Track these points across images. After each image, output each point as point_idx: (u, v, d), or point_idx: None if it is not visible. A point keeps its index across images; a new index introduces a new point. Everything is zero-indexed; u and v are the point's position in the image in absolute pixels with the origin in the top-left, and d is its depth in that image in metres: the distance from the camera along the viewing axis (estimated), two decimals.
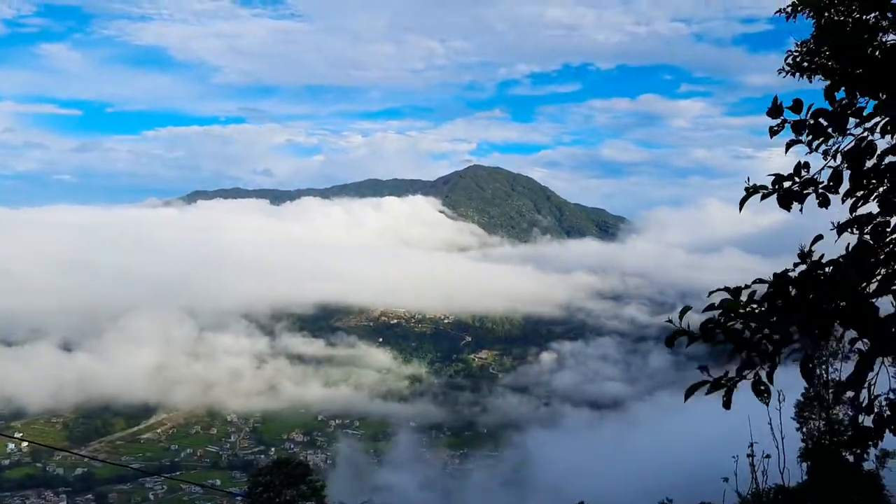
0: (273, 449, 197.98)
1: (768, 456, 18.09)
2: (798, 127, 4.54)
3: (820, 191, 4.44)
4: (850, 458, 30.99)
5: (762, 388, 4.15)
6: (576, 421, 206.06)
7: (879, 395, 3.92)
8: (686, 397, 4.22)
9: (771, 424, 17.13)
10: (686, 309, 4.28)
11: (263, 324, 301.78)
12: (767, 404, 4.17)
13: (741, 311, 4.15)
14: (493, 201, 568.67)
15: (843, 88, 4.56)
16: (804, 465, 27.88)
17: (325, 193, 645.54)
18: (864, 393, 3.94)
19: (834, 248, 4.13)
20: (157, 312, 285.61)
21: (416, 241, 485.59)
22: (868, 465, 32.13)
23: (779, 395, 16.57)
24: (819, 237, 4.20)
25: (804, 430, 30.47)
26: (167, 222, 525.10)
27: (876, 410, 3.88)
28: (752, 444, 18.28)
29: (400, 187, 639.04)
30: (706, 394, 4.17)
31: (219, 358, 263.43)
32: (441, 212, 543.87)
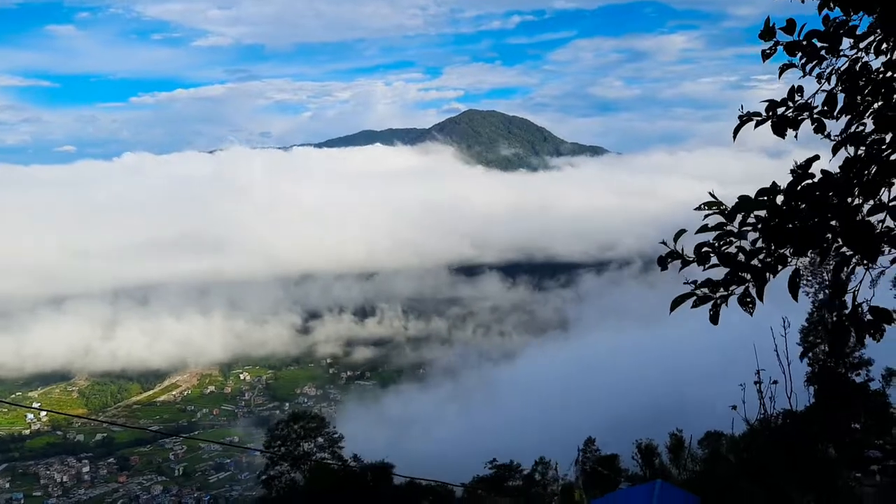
0: (287, 404, 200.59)
1: (775, 382, 18.22)
2: (791, 48, 4.44)
3: (815, 115, 4.37)
4: (856, 380, 31.39)
5: (748, 300, 4.12)
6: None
7: (862, 302, 3.91)
8: (671, 309, 4.19)
9: (777, 350, 17.22)
10: (681, 232, 4.23)
11: None
12: (751, 314, 4.13)
13: (734, 236, 4.11)
14: (491, 144, 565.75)
15: (836, 6, 4.45)
16: (811, 388, 28.27)
17: (335, 143, 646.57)
18: (850, 301, 3.95)
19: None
20: None
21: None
22: (874, 386, 32.57)
23: (784, 321, 16.66)
24: (815, 157, 4.15)
25: (810, 354, 30.83)
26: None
27: (858, 316, 3.88)
28: (758, 371, 18.43)
29: (396, 136, 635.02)
30: (692, 307, 4.15)
31: None
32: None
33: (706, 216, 4.22)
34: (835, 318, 4.03)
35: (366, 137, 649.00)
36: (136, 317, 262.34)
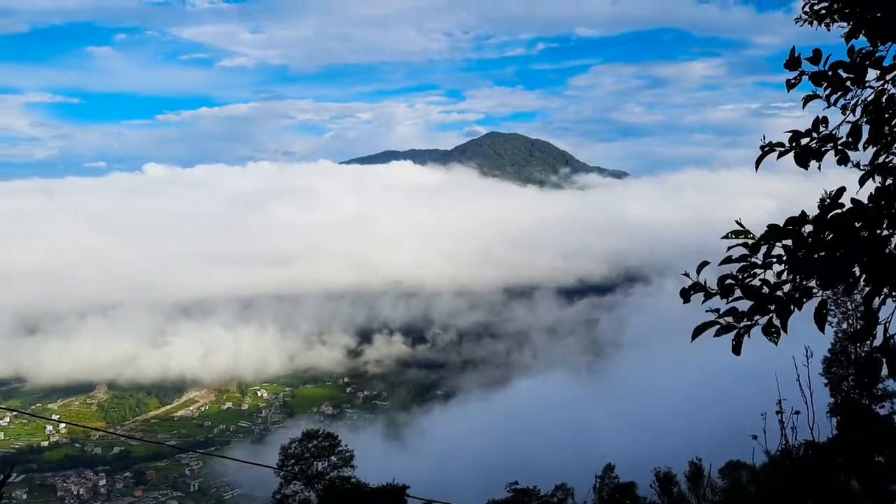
0: (303, 422, 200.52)
1: (797, 412, 17.93)
2: (817, 79, 4.40)
3: (839, 147, 4.31)
4: (881, 412, 30.83)
5: (772, 329, 4.05)
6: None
7: (894, 334, 3.83)
8: (693, 337, 4.13)
9: (799, 381, 16.97)
10: (704, 264, 4.18)
11: None
12: (776, 344, 4.06)
13: (759, 267, 4.06)
14: (514, 166, 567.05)
15: (862, 37, 4.40)
16: (833, 419, 27.79)
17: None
18: (881, 333, 3.87)
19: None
20: None
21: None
22: None
23: (806, 350, 16.42)
24: (842, 189, 4.08)
25: (832, 385, 30.38)
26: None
27: (891, 348, 3.80)
28: (780, 401, 18.15)
29: (418, 156, 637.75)
30: (715, 335, 4.09)
31: None
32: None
33: (729, 247, 4.16)
34: (865, 351, 3.96)
35: (388, 157, 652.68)
36: (187, 329, 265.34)
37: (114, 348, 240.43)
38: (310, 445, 38.97)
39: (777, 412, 18.31)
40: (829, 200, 4.03)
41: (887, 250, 3.86)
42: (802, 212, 4.07)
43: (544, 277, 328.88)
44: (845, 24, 4.65)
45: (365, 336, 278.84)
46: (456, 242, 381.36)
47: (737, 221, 4.19)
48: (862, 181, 4.20)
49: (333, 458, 39.22)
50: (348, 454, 39.83)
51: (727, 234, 4.15)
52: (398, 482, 39.62)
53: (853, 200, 4.02)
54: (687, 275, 4.20)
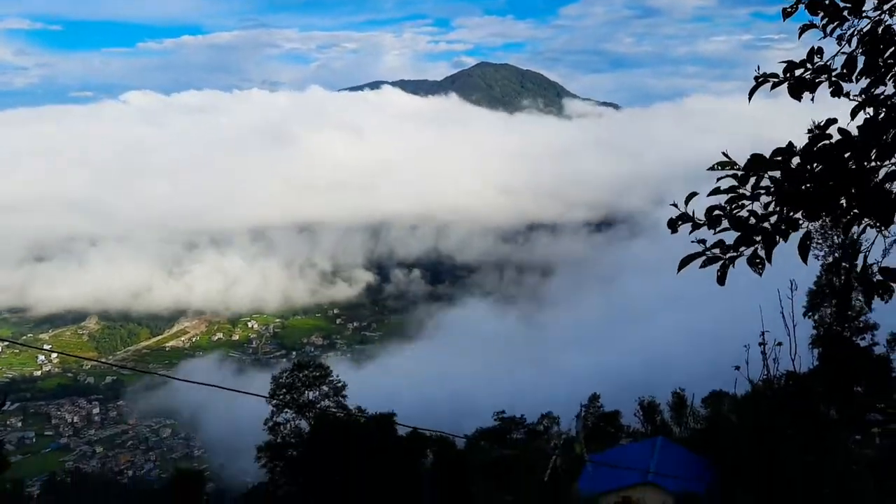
0: (294, 353, 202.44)
1: (780, 344, 18.24)
2: (813, 7, 4.32)
3: (833, 78, 4.26)
4: (861, 343, 31.45)
5: (757, 260, 4.09)
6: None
7: (873, 263, 3.88)
8: (679, 268, 4.16)
9: (783, 312, 17.21)
10: (692, 194, 4.18)
11: None
12: (761, 274, 4.10)
13: (747, 199, 4.06)
14: (504, 98, 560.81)
15: None
16: (815, 351, 28.37)
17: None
18: (861, 263, 3.91)
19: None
20: None
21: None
22: (878, 350, 32.66)
23: (791, 283, 16.62)
24: (832, 120, 4.05)
25: (816, 317, 30.86)
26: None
27: (867, 277, 3.85)
28: (763, 333, 18.45)
29: (408, 86, 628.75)
30: (700, 267, 4.11)
31: None
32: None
33: (718, 178, 4.16)
34: (843, 278, 4.02)
35: (377, 87, 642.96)
36: (205, 258, 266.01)
37: (122, 277, 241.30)
38: (300, 375, 39.58)
39: (760, 343, 18.65)
40: (817, 131, 4.01)
41: (873, 182, 3.86)
42: (790, 143, 4.05)
43: (561, 210, 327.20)
44: None
45: (384, 268, 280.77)
46: (468, 173, 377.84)
47: (723, 153, 4.17)
48: (854, 113, 4.17)
49: (325, 388, 39.87)
50: (339, 384, 40.48)
51: (713, 165, 4.14)
52: (387, 410, 40.45)
53: (840, 131, 4.00)
54: (675, 205, 4.20)
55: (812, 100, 4.30)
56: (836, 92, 4.26)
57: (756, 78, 4.37)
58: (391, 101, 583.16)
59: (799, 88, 4.28)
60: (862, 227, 3.90)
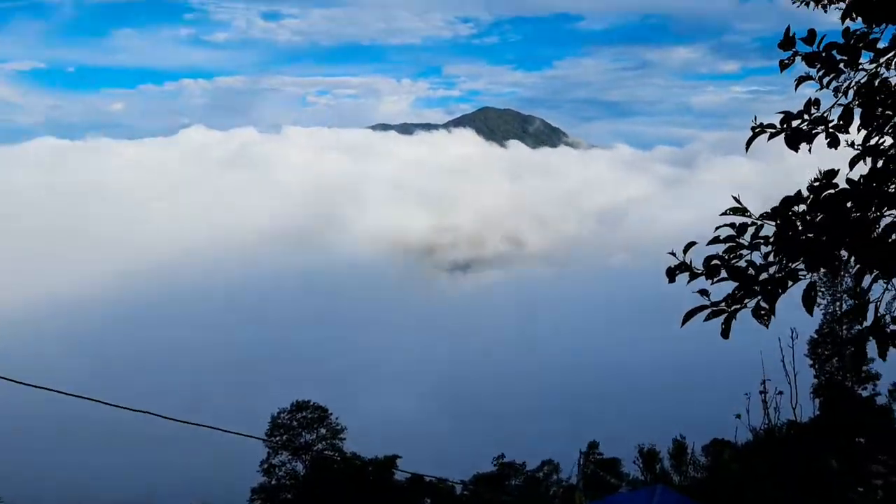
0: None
1: (781, 392, 18.14)
2: (811, 60, 4.38)
3: (830, 130, 4.29)
4: (863, 394, 31.18)
5: (762, 312, 4.07)
6: None
7: (885, 315, 3.86)
8: (683, 322, 4.15)
9: (783, 361, 17.14)
10: (691, 244, 4.18)
11: None
12: (767, 326, 4.08)
13: (746, 248, 4.06)
14: (507, 142, 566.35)
15: (858, 18, 4.38)
16: (817, 400, 28.14)
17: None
18: (871, 315, 3.89)
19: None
20: None
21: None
22: (880, 401, 32.37)
23: (792, 332, 16.55)
24: (835, 171, 4.07)
25: (817, 366, 30.69)
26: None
27: (881, 328, 3.82)
28: (764, 381, 18.34)
29: (411, 130, 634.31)
30: (705, 320, 4.10)
31: None
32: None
33: (717, 228, 4.16)
34: (855, 330, 4.01)
35: (383, 129, 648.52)
36: None
37: None
38: (299, 416, 39.18)
39: (761, 392, 18.51)
40: (822, 181, 4.02)
41: (874, 234, 3.86)
42: (799, 191, 4.06)
43: None
44: (841, 5, 4.63)
45: None
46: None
47: (734, 197, 4.18)
48: (852, 163, 4.20)
49: (322, 430, 39.43)
50: (338, 426, 40.04)
51: (725, 210, 4.15)
52: (389, 453, 39.93)
53: (849, 181, 4.02)
54: (673, 254, 4.20)
55: (809, 151, 4.33)
56: (833, 143, 4.30)
57: (753, 128, 4.40)
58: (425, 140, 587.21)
59: (796, 139, 4.31)
60: (873, 276, 3.90)
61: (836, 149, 4.26)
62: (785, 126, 4.35)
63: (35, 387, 9.02)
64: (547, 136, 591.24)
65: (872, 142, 4.25)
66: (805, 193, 4.04)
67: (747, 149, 4.51)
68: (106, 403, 10.20)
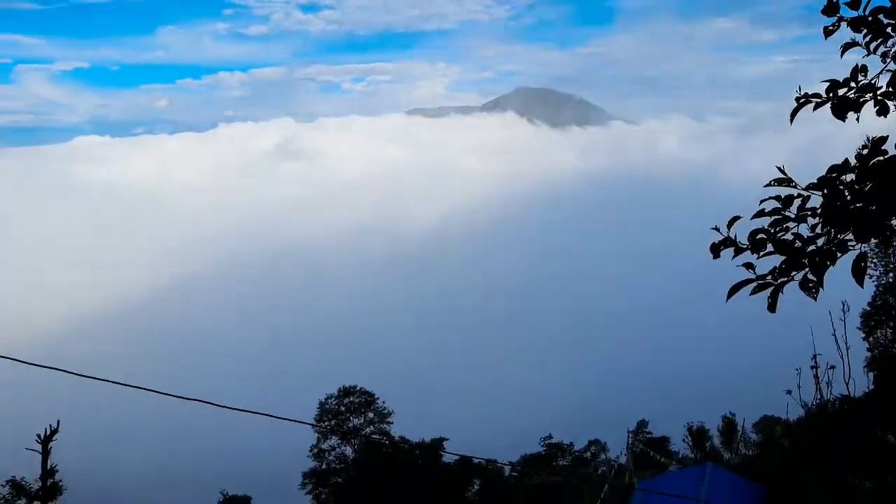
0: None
1: (833, 367, 17.79)
2: (856, 24, 4.25)
3: (878, 97, 4.16)
4: None
5: (810, 284, 3.98)
6: None
7: None
8: (729, 296, 4.07)
9: (835, 335, 16.79)
10: (735, 218, 4.12)
11: None
12: (815, 299, 4.00)
13: (792, 221, 3.97)
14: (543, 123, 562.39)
15: None
16: (871, 374, 27.51)
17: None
18: None
19: None
20: None
21: None
22: None
23: (843, 304, 16.19)
24: (884, 138, 3.96)
25: (870, 339, 29.93)
26: None
27: None
28: (815, 356, 18.00)
29: (451, 112, 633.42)
30: (751, 294, 4.02)
31: None
32: None
33: (761, 200, 4.09)
34: None
35: (422, 114, 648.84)
36: None
37: None
38: (346, 401, 39.65)
39: (812, 367, 18.18)
40: (871, 148, 3.92)
41: None
42: (846, 159, 3.96)
43: None
44: None
45: None
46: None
47: (778, 168, 4.11)
48: None
49: (370, 414, 39.87)
50: (385, 410, 40.43)
51: (770, 181, 4.08)
52: (437, 436, 40.25)
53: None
54: (717, 229, 4.14)
55: (857, 120, 4.21)
56: (882, 111, 4.17)
57: (797, 99, 4.29)
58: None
59: (843, 108, 4.19)
60: None
61: (885, 116, 4.14)
62: (831, 95, 4.24)
63: (80, 375, 9.26)
64: (588, 114, 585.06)
65: None
66: (853, 162, 3.94)
67: (792, 120, 4.40)
68: (157, 392, 10.43)
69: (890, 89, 4.14)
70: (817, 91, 4.27)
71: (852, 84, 4.23)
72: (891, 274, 29.00)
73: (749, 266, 4.05)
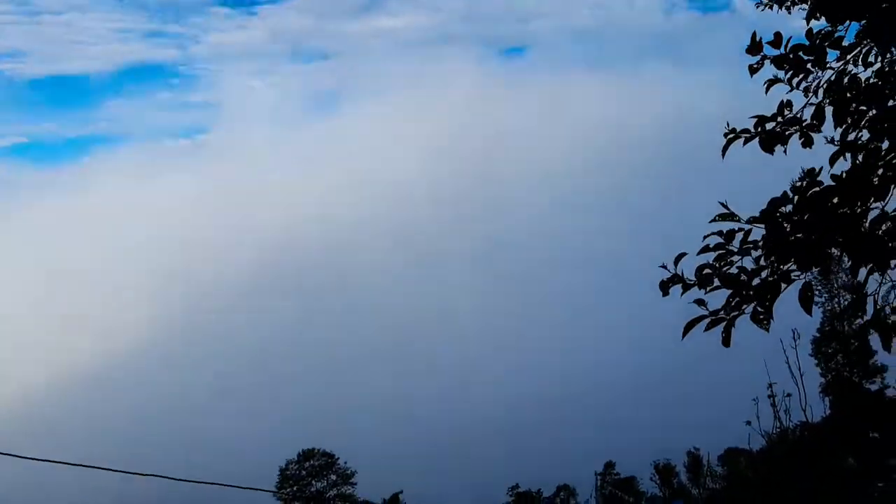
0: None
1: (789, 395, 18.06)
2: (779, 62, 4.39)
3: (803, 130, 4.28)
4: (871, 387, 31.00)
5: (761, 316, 4.01)
6: None
7: (884, 306, 3.82)
8: (684, 333, 4.09)
9: (788, 363, 17.08)
10: (681, 255, 4.14)
11: None
12: (768, 331, 4.03)
13: (736, 254, 4.02)
14: None
15: (822, 17, 4.41)
16: (826, 399, 28.00)
17: None
18: (871, 309, 3.85)
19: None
20: None
21: None
22: (890, 393, 32.20)
23: (794, 332, 16.49)
24: (812, 171, 4.05)
25: (823, 365, 30.61)
26: None
27: (882, 320, 3.78)
28: (770, 385, 18.26)
29: None
30: (705, 330, 4.04)
31: None
32: None
33: (705, 236, 4.13)
34: (857, 325, 3.94)
35: None
36: None
37: None
38: (307, 465, 38.75)
39: (769, 396, 18.39)
40: (807, 179, 4.00)
41: (863, 228, 3.84)
42: (785, 192, 4.03)
43: None
44: (805, 6, 4.66)
45: None
46: None
47: (722, 203, 4.16)
48: (833, 160, 4.17)
49: (333, 477, 38.99)
50: (348, 471, 39.57)
51: (714, 217, 4.12)
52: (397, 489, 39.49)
53: (833, 177, 3.99)
54: (665, 266, 4.16)
55: (784, 152, 4.31)
56: (807, 143, 4.28)
57: (726, 134, 4.39)
58: None
59: (771, 142, 4.30)
60: (867, 270, 3.86)
61: (810, 147, 4.25)
62: (759, 129, 4.34)
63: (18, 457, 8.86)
64: None
65: (851, 137, 4.24)
66: (790, 194, 4.01)
67: (723, 154, 4.49)
68: (107, 469, 10.01)
69: (814, 122, 4.26)
70: (746, 127, 4.38)
71: (779, 118, 4.34)
72: (836, 300, 29.84)
73: (700, 302, 4.07)
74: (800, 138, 4.28)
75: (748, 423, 18.47)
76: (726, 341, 4.05)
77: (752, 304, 3.98)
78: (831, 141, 4.23)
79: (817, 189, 3.95)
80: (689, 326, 4.05)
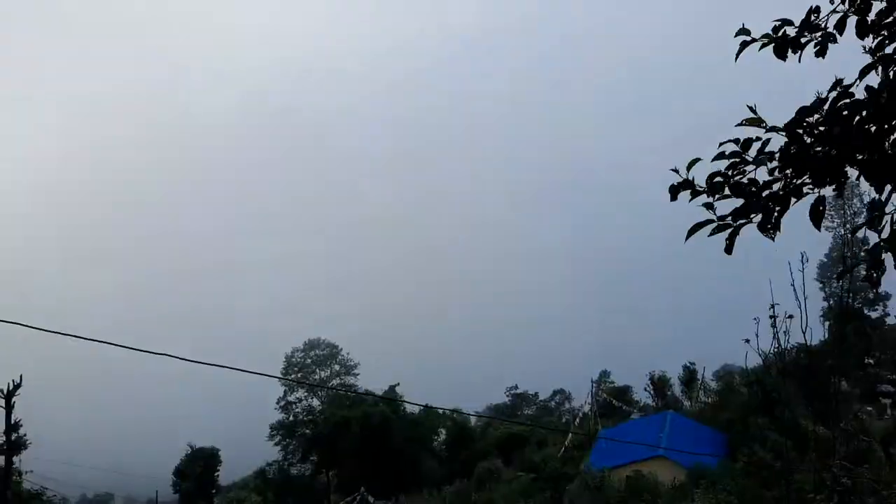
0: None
1: (791, 316, 18.10)
2: None
3: (824, 36, 4.07)
4: (872, 315, 31.23)
5: (769, 226, 3.96)
6: None
7: None
8: (687, 237, 4.06)
9: (794, 285, 17.06)
10: (695, 160, 4.06)
11: None
12: (773, 239, 3.98)
13: (750, 164, 3.92)
14: None
15: None
16: (827, 324, 28.25)
17: None
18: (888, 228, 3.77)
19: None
20: None
21: None
22: (890, 321, 32.41)
23: (802, 255, 16.44)
24: (839, 81, 3.88)
25: (827, 290, 30.67)
26: None
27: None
28: (773, 305, 18.32)
29: None
30: (709, 235, 4.00)
31: None
32: None
33: (721, 143, 4.03)
34: (866, 247, 3.87)
35: None
36: None
37: None
38: (312, 354, 39.62)
39: (770, 316, 18.51)
40: (840, 89, 3.84)
41: (886, 146, 3.71)
42: (819, 98, 3.88)
43: None
44: None
45: None
46: None
47: (749, 107, 4.04)
48: (862, 73, 3.98)
49: (336, 367, 39.92)
50: (351, 362, 40.48)
51: (741, 121, 4.01)
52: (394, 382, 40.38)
53: (868, 89, 3.82)
54: (676, 170, 4.09)
55: (798, 59, 4.13)
56: (820, 52, 4.09)
57: (738, 34, 4.21)
58: None
59: (783, 47, 4.12)
60: (889, 189, 3.75)
61: (823, 57, 4.06)
62: (777, 34, 4.15)
63: (42, 329, 9.11)
64: None
65: (889, 49, 4.02)
66: (825, 101, 3.85)
67: (736, 59, 4.31)
68: (121, 346, 10.28)
69: (834, 31, 4.07)
70: (767, 32, 4.19)
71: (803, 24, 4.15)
72: (847, 226, 29.59)
73: (709, 206, 4.01)
74: (815, 46, 4.08)
75: (747, 340, 18.60)
76: (729, 248, 4.01)
77: (761, 214, 3.92)
78: (869, 51, 4.03)
79: (848, 101, 3.80)
80: (694, 230, 4.01)
